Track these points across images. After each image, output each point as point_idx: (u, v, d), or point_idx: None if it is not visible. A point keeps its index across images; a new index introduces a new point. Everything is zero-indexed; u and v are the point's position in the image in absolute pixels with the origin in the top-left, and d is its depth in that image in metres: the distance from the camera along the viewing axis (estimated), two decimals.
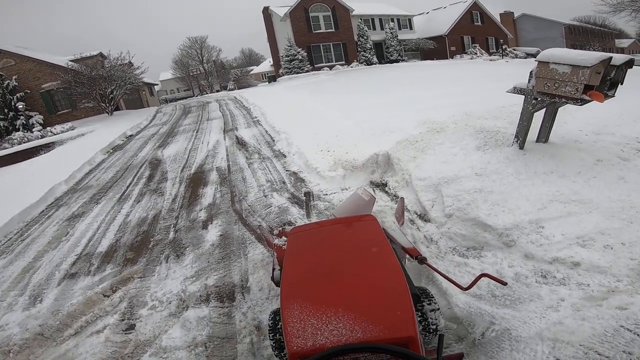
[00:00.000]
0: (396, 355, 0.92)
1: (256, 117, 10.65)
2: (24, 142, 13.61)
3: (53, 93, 19.22)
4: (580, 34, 36.08)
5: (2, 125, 17.05)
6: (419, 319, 1.57)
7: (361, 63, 26.02)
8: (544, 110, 3.30)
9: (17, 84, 18.15)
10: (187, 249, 3.51)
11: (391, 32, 27.59)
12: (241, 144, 7.63)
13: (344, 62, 26.16)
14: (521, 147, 3.37)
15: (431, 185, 3.36)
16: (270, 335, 1.72)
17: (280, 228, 2.64)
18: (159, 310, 2.64)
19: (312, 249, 1.74)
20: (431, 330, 1.67)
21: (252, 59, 62.06)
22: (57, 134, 14.38)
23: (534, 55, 22.45)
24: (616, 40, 42.22)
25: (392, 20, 29.10)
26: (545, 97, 2.96)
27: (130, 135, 11.70)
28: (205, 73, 43.06)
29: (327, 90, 13.12)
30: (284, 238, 2.20)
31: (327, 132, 6.21)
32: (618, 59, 2.69)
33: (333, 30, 26.06)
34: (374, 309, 1.24)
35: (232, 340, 2.25)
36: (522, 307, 1.93)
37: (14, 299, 3.13)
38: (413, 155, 4.11)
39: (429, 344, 1.71)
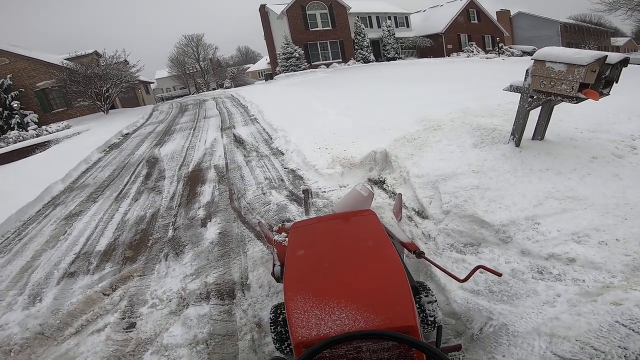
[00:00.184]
0: (401, 342, 0.94)
1: (253, 115, 10.61)
2: (19, 141, 13.48)
3: (48, 91, 19.04)
4: (576, 32, 36.34)
5: None
6: (417, 310, 1.61)
7: (358, 61, 26.01)
8: (540, 108, 3.33)
9: (11, 82, 17.95)
10: (187, 247, 3.51)
11: (388, 30, 27.60)
12: (239, 141, 7.61)
13: (341, 60, 26.10)
14: (517, 144, 3.40)
15: (429, 182, 3.38)
16: (272, 328, 1.76)
17: (280, 224, 2.66)
18: (159, 308, 2.65)
19: (314, 243, 1.77)
20: (429, 322, 1.71)
21: (248, 57, 61.78)
22: (53, 132, 14.26)
23: (530, 54, 22.49)
24: (612, 38, 42.52)
25: (389, 18, 29.09)
26: (541, 95, 2.99)
27: (127, 134, 11.63)
28: (202, 71, 42.82)
29: (324, 88, 13.10)
30: (283, 234, 2.22)
31: (325, 130, 6.21)
32: (613, 57, 2.72)
33: (330, 28, 25.98)
34: (375, 299, 1.27)
35: (233, 338, 2.27)
36: (519, 303, 1.96)
37: (13, 298, 3.12)
38: (410, 153, 4.13)
39: (427, 338, 1.74)
